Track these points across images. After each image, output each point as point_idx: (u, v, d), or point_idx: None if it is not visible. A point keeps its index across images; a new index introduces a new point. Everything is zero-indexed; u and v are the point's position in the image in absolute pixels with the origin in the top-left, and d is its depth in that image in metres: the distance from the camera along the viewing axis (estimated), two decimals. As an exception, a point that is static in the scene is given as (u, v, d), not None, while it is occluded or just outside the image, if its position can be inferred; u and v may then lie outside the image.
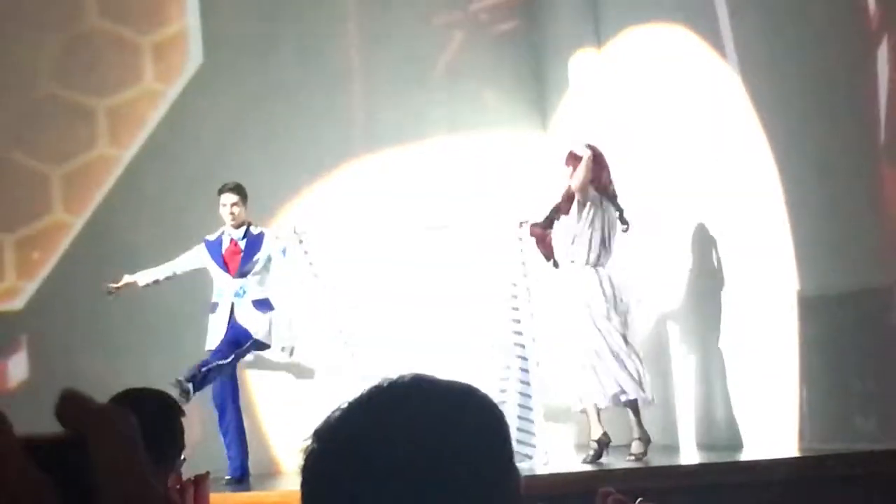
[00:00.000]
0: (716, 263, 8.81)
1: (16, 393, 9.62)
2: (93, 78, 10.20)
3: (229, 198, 8.96)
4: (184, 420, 4.06)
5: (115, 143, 10.24)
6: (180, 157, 10.19)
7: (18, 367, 9.85)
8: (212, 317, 8.94)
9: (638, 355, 8.17)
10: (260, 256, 8.95)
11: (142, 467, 0.87)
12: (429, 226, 9.05)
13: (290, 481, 9.06)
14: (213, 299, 9.00)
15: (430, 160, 10.40)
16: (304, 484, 1.39)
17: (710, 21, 8.79)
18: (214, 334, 8.87)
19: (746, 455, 7.62)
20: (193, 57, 10.43)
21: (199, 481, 5.25)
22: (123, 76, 10.29)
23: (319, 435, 1.39)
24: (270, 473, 9.69)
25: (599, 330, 8.10)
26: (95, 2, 10.32)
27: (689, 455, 8.85)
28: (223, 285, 8.97)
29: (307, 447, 1.38)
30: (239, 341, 8.83)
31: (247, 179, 10.05)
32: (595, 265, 8.19)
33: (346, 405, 1.40)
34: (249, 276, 8.95)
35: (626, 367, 8.06)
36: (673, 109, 9.25)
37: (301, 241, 8.84)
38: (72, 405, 0.87)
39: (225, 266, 8.97)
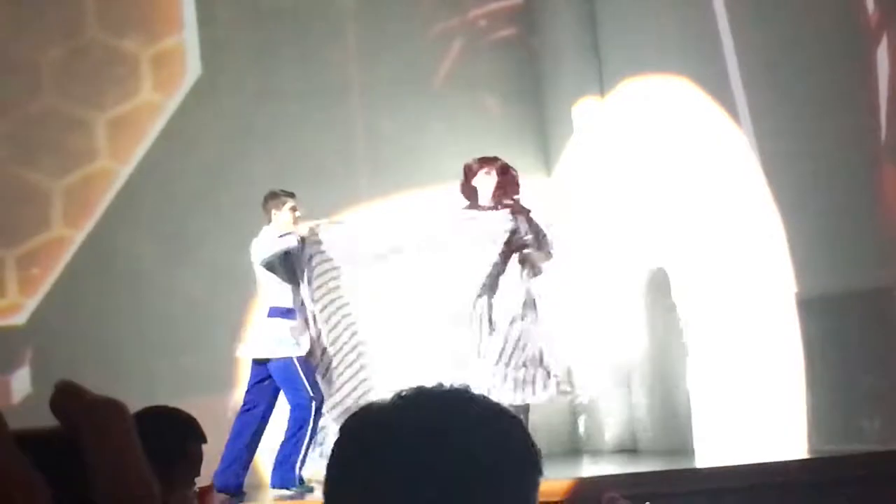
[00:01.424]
0: (716, 267, 8.82)
1: (19, 408, 9.61)
2: (92, 91, 10.20)
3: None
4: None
5: (115, 157, 10.23)
6: (180, 169, 10.19)
7: (22, 383, 9.83)
8: None
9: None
10: None
11: (137, 459, 0.85)
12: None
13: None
14: None
15: (431, 169, 10.38)
16: (329, 468, 1.41)
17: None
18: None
19: (752, 458, 7.59)
20: (192, 68, 10.43)
21: (205, 493, 5.23)
22: (123, 89, 10.29)
23: (349, 424, 1.41)
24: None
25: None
26: (94, 15, 10.32)
27: (696, 459, 8.83)
28: None
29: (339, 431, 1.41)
30: None
31: (247, 190, 10.03)
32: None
33: (381, 401, 1.42)
34: None
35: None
36: (675, 149, 9.31)
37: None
38: (67, 397, 0.85)
39: None
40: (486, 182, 8.17)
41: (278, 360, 8.06)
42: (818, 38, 7.86)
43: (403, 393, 1.41)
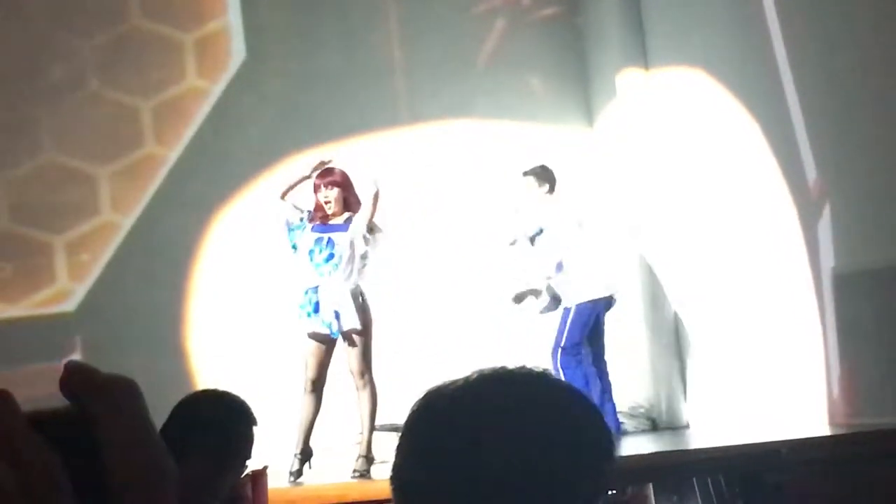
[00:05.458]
0: (751, 244, 8.81)
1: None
2: (137, 77, 10.23)
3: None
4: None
5: (162, 142, 10.26)
6: (226, 153, 10.21)
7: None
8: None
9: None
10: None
11: (151, 438, 0.84)
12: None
13: (347, 474, 9.06)
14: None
15: (476, 149, 10.37)
16: (399, 446, 1.42)
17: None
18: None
19: (788, 434, 7.58)
20: (236, 53, 10.44)
21: (257, 476, 5.24)
22: (167, 75, 10.31)
23: (421, 403, 1.41)
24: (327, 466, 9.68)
25: None
26: (137, 1, 10.34)
27: (727, 436, 8.81)
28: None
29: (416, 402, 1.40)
30: None
31: (292, 174, 10.07)
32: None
33: (452, 381, 1.42)
34: None
35: None
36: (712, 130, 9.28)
37: None
38: (76, 377, 0.84)
39: None
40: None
41: None
42: (866, 17, 7.79)
43: (474, 373, 1.40)
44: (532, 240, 8.88)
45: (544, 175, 8.92)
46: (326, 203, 7.75)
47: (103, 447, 0.79)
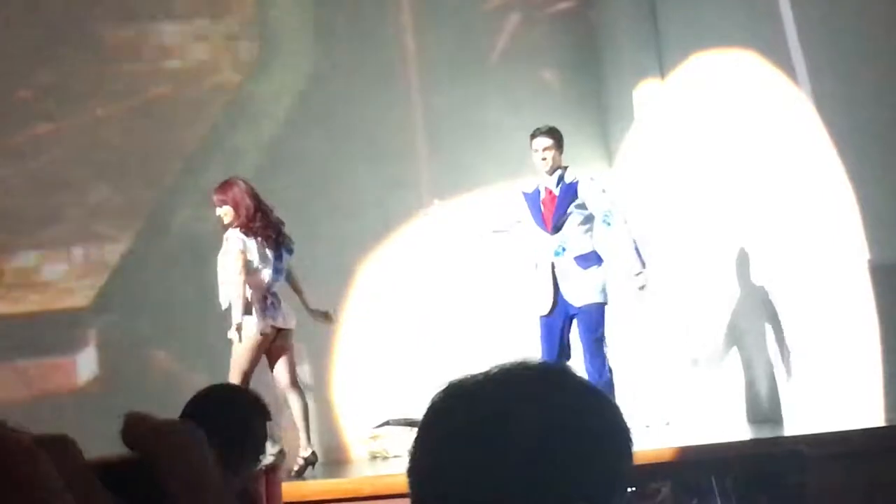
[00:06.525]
0: (786, 238, 8.76)
1: (87, 389, 9.69)
2: (154, 70, 10.22)
3: (541, 142, 8.21)
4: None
5: (177, 135, 10.25)
6: (241, 147, 10.21)
7: (88, 364, 9.90)
8: (534, 278, 8.22)
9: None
10: (574, 207, 8.12)
11: (215, 480, 0.84)
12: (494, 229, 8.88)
13: (361, 469, 9.07)
14: (534, 259, 8.26)
15: (490, 144, 10.36)
16: (416, 441, 1.42)
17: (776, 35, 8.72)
18: (538, 298, 8.16)
19: (827, 427, 7.55)
20: (250, 48, 10.43)
21: (271, 471, 5.25)
22: (183, 68, 10.30)
23: (438, 397, 1.42)
24: (340, 461, 9.70)
25: None
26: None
27: (772, 428, 8.79)
28: (541, 242, 8.18)
29: (435, 395, 1.40)
30: (567, 316, 8.10)
31: (306, 167, 10.08)
32: None
33: (469, 375, 1.42)
34: (567, 230, 8.12)
35: None
36: (741, 129, 9.23)
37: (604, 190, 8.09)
38: (137, 426, 0.85)
39: (542, 221, 8.18)
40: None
41: None
42: (883, 5, 7.76)
43: (494, 367, 1.40)
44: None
45: (559, 136, 8.31)
46: (223, 216, 8.12)
47: (166, 493, 0.79)
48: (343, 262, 10.05)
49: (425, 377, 9.45)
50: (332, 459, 9.58)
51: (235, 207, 8.05)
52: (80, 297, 10.05)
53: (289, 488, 6.79)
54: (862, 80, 7.90)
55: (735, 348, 9.49)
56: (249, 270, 7.95)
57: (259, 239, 8.05)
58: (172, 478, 0.82)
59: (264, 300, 8.00)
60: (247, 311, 7.90)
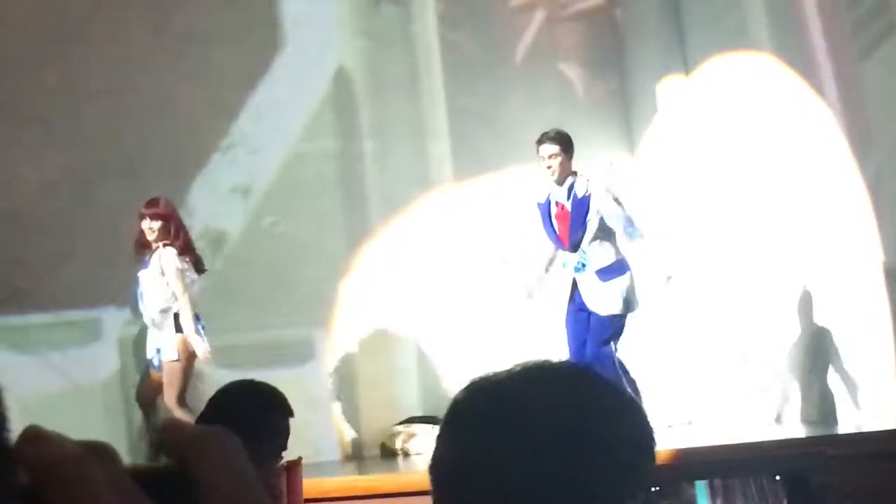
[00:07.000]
0: (802, 242, 8.75)
1: (106, 381, 9.69)
2: (175, 66, 10.22)
3: (547, 149, 7.68)
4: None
5: (199, 133, 10.25)
6: (263, 147, 10.18)
7: (108, 356, 9.90)
8: (553, 289, 7.91)
9: None
10: (591, 218, 7.61)
11: (254, 487, 0.84)
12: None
13: (382, 466, 9.08)
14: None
15: (514, 143, 10.33)
16: (439, 438, 1.41)
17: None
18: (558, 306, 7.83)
19: (849, 428, 7.55)
20: (275, 45, 10.42)
21: (292, 467, 5.24)
22: (202, 62, 10.28)
23: (462, 395, 1.41)
24: (361, 457, 9.70)
25: None
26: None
27: (794, 429, 8.78)
28: (560, 257, 7.81)
29: (458, 392, 1.40)
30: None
31: (326, 166, 10.08)
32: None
33: (493, 374, 1.42)
34: (585, 245, 7.65)
35: None
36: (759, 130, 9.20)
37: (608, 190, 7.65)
38: (173, 434, 0.84)
39: (558, 239, 7.74)
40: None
41: None
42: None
43: (517, 366, 1.40)
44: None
45: (568, 141, 7.82)
46: (150, 230, 8.09)
47: (205, 501, 0.79)
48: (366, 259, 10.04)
49: (448, 374, 9.46)
50: (353, 456, 9.58)
51: (175, 226, 8.15)
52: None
53: (308, 485, 6.78)
54: (881, 87, 7.89)
55: (755, 347, 9.50)
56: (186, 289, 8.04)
57: (188, 259, 8.13)
58: (208, 487, 0.81)
59: (197, 320, 8.02)
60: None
